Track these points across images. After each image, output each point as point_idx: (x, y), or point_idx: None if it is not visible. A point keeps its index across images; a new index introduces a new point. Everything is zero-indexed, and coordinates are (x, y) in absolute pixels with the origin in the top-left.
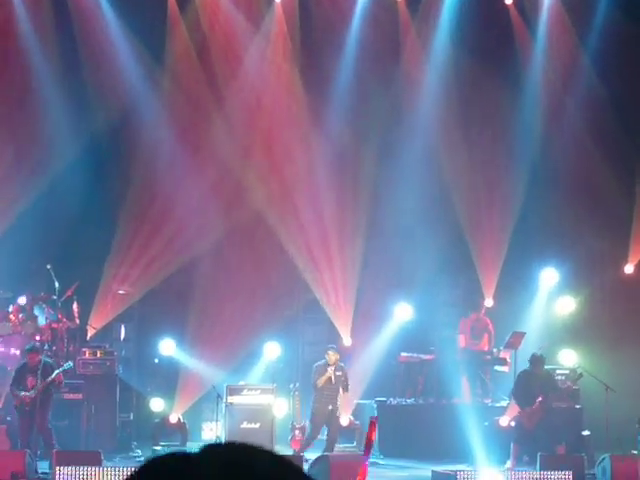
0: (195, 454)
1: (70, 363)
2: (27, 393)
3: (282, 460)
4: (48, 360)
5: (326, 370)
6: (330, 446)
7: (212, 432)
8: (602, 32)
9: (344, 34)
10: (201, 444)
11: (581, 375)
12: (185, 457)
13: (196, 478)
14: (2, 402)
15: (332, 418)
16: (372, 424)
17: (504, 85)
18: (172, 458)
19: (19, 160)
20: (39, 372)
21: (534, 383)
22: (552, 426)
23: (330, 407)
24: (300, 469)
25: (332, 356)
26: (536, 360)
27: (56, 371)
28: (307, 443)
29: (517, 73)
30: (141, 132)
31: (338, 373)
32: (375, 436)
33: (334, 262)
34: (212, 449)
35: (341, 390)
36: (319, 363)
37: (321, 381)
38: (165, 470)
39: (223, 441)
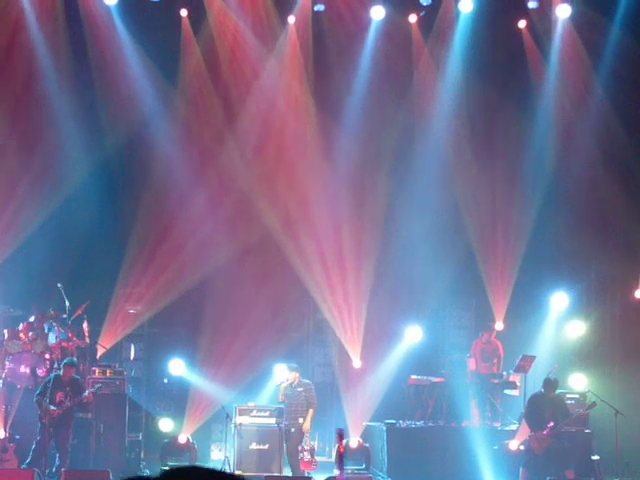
0: (154, 478)
1: (101, 385)
2: (54, 407)
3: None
4: (78, 377)
5: (285, 388)
6: (290, 462)
7: (221, 453)
8: (614, 57)
9: (357, 56)
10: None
11: (595, 404)
12: None
13: None
14: (11, 420)
15: (287, 435)
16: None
17: (516, 108)
18: None
19: (31, 180)
20: (68, 388)
21: (545, 406)
22: (561, 450)
23: (285, 423)
24: None
25: (287, 374)
26: (549, 383)
27: (88, 391)
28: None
29: (529, 97)
30: (153, 153)
31: (299, 389)
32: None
33: (344, 283)
34: (171, 473)
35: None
36: (282, 382)
37: (280, 397)
38: None
39: (187, 465)
